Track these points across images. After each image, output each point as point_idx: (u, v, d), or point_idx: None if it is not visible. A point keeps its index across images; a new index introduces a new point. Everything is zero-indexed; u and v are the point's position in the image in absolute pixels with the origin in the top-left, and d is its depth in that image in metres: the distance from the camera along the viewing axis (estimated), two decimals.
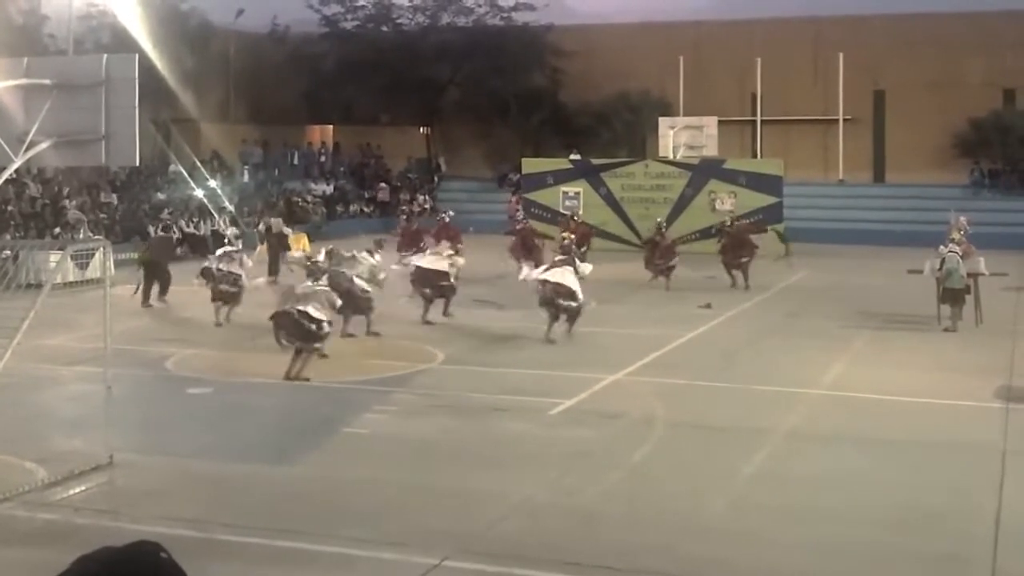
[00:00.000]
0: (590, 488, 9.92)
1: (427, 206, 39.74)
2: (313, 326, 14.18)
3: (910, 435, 11.83)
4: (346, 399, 13.50)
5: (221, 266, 19.26)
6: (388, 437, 11.83)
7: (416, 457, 10.97)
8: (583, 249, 25.78)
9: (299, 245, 29.65)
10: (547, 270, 17.58)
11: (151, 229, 27.71)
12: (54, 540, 8.49)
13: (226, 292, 19.01)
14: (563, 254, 18.36)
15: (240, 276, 19.22)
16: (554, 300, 16.95)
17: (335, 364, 15.47)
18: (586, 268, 18.15)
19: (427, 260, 19.14)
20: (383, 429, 12.20)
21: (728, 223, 25.86)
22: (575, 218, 28.25)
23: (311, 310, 14.17)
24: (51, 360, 14.75)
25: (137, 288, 20.50)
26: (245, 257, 20.10)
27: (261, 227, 26.22)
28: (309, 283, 14.60)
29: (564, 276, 17.13)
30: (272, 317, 14.59)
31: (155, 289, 21.07)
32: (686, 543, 8.60)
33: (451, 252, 19.97)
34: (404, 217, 28.06)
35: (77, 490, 9.66)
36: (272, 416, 12.77)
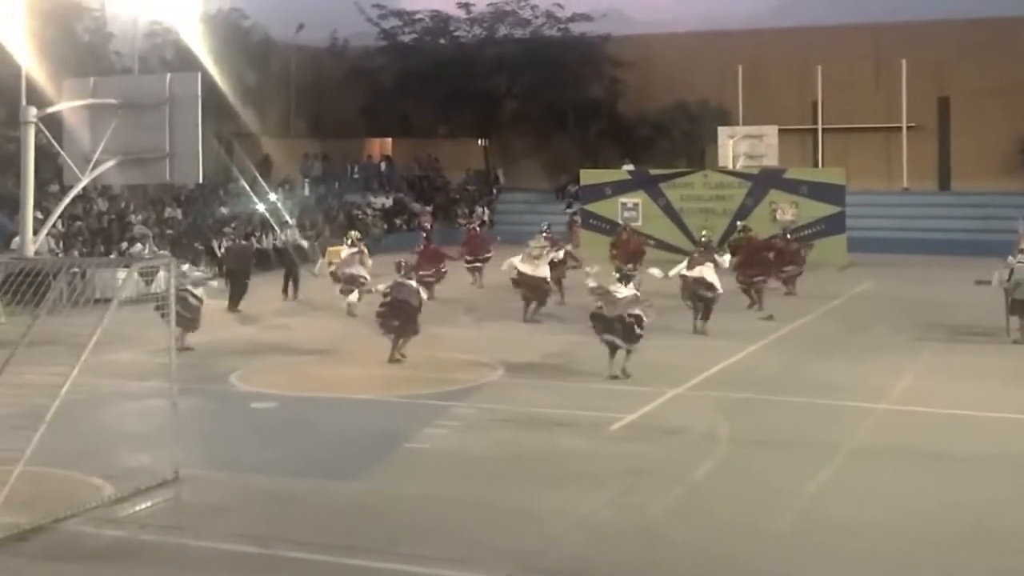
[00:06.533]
0: (653, 505, 9.84)
1: (485, 218, 39.82)
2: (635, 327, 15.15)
3: (979, 450, 11.59)
4: (407, 414, 13.52)
5: (345, 270, 21.73)
6: (449, 452, 11.82)
7: (477, 473, 10.95)
8: (636, 265, 25.71)
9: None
10: (689, 267, 19.21)
11: (221, 240, 28.13)
12: (121, 557, 8.58)
13: (348, 289, 21.11)
14: (705, 249, 20.30)
15: (362, 276, 21.36)
16: (696, 291, 18.83)
17: (396, 378, 15.57)
18: (725, 260, 20.13)
19: (528, 267, 20.69)
20: (444, 444, 12.19)
21: (740, 231, 25.42)
22: (628, 228, 28.10)
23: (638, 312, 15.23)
24: (118, 375, 14.94)
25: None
26: (366, 257, 22.15)
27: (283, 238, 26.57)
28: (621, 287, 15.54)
29: (704, 271, 18.93)
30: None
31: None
32: (751, 560, 8.49)
33: (551, 251, 21.55)
34: (424, 236, 28.02)
35: (143, 506, 9.76)
36: (334, 431, 12.82)
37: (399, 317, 16.43)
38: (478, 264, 26.23)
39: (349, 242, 23.28)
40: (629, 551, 8.71)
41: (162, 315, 15.20)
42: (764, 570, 8.33)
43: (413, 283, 16.84)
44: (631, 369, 15.24)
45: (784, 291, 24.05)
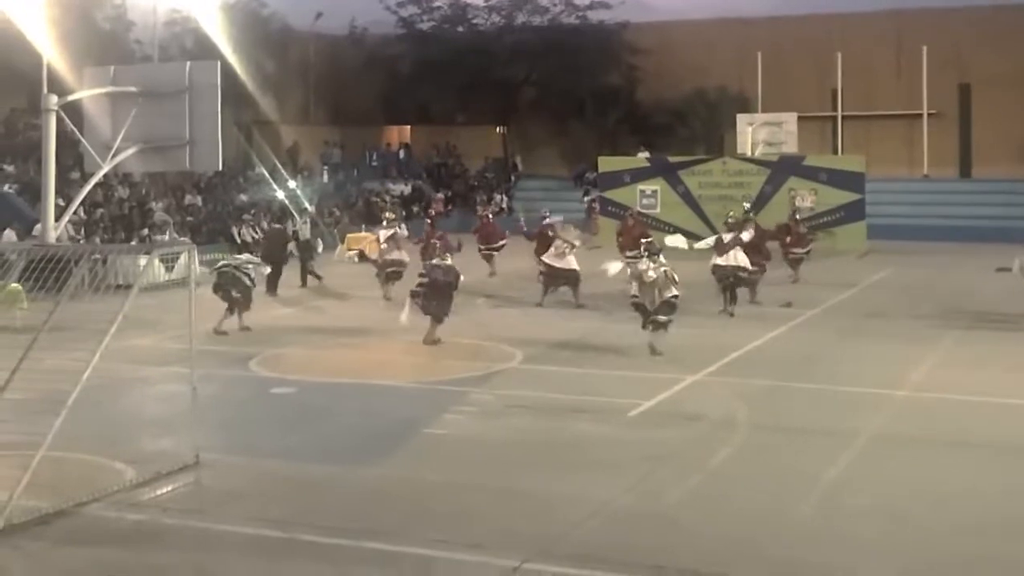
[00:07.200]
0: (671, 491, 9.84)
1: (504, 205, 39.85)
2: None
3: (999, 438, 11.55)
4: (425, 400, 13.57)
5: (387, 256, 22.25)
6: (467, 439, 11.86)
7: (495, 459, 10.98)
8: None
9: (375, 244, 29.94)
10: (720, 253, 19.68)
11: (240, 227, 28.45)
12: (142, 540, 8.65)
13: (393, 273, 21.94)
14: (729, 231, 20.28)
15: (402, 261, 22.06)
16: (736, 275, 19.52)
17: (413, 365, 15.63)
18: (746, 235, 20.24)
19: (556, 259, 20.96)
20: (462, 430, 12.24)
21: (745, 214, 25.10)
22: (633, 215, 27.98)
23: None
24: (139, 361, 15.06)
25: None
26: (401, 237, 22.67)
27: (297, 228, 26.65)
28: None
29: (737, 256, 19.54)
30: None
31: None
32: (770, 546, 8.48)
33: (571, 244, 21.35)
34: (428, 222, 28.05)
35: (165, 490, 9.84)
36: (353, 417, 12.88)
37: (436, 298, 16.84)
38: (492, 252, 26.24)
39: (385, 224, 23.67)
40: (647, 537, 8.71)
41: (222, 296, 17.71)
42: (783, 556, 8.32)
43: (447, 262, 17.23)
44: (659, 349, 15.72)
45: (791, 278, 23.73)
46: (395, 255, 22.24)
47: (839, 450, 11.00)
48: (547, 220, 24.12)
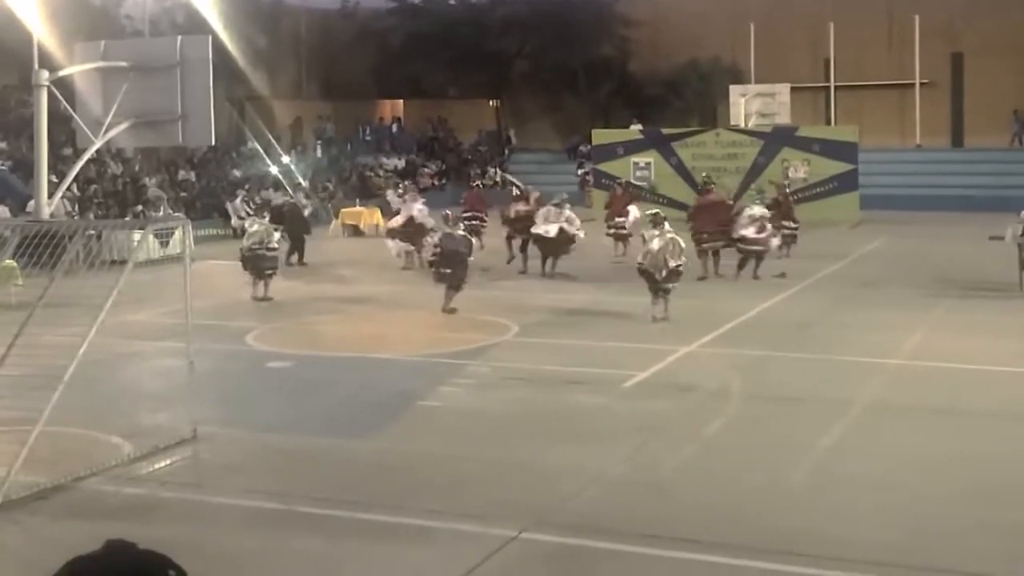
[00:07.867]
0: (666, 461, 9.90)
1: (497, 178, 39.77)
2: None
3: (991, 405, 11.62)
4: (422, 372, 13.62)
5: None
6: (463, 410, 11.91)
7: (491, 430, 11.03)
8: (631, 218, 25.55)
9: (372, 219, 30.02)
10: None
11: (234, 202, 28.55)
12: (141, 513, 8.69)
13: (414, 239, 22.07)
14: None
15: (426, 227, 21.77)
16: (751, 249, 20.40)
17: (410, 338, 15.66)
18: (759, 211, 20.95)
19: (543, 228, 21.19)
20: (458, 402, 12.29)
21: (703, 183, 25.17)
22: (621, 184, 27.89)
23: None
24: (134, 336, 15.08)
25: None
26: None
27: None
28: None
29: (748, 228, 20.44)
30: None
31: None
32: (765, 515, 8.54)
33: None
34: (399, 195, 28.02)
35: (162, 464, 9.88)
36: (350, 389, 12.91)
37: (451, 266, 17.22)
38: (476, 223, 26.08)
39: (399, 193, 24.06)
40: (642, 507, 8.77)
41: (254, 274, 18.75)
42: (777, 525, 8.37)
43: (460, 232, 17.72)
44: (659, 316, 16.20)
45: (779, 252, 23.32)
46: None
47: (833, 419, 11.06)
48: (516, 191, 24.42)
